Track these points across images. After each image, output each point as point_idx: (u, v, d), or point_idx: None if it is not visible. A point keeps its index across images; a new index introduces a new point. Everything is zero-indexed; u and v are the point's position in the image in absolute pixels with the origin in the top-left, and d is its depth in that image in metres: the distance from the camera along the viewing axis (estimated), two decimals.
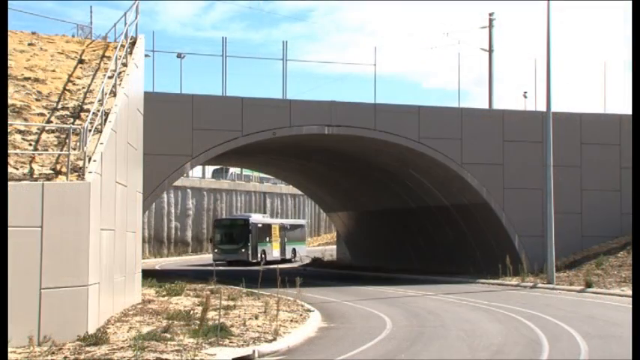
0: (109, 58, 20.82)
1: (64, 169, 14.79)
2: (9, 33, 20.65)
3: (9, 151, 14.79)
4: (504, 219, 32.07)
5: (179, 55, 32.91)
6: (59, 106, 17.65)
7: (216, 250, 47.50)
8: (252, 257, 46.99)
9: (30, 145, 15.74)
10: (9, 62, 18.81)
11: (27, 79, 18.67)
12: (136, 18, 22.29)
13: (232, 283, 25.84)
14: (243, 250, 47.16)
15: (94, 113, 16.39)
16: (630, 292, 23.05)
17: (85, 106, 17.68)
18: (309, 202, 71.02)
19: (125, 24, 21.80)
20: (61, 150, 15.56)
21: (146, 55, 25.52)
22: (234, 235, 47.96)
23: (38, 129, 16.33)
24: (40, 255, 13.59)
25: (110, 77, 18.61)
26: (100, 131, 16.26)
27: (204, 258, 54.77)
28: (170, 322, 15.83)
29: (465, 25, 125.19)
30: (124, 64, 19.97)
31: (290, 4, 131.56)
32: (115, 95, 18.01)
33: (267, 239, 50.52)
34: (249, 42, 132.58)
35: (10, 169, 14.45)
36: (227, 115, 29.67)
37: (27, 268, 13.48)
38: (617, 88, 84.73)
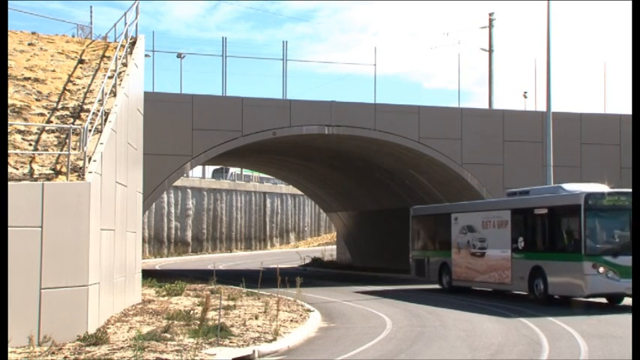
0: (109, 58, 20.81)
1: (64, 169, 14.79)
2: (9, 33, 20.66)
3: (9, 151, 14.79)
4: None
5: (179, 55, 33.00)
6: (59, 106, 17.65)
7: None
8: None
9: (30, 145, 15.74)
10: (9, 62, 18.81)
11: (27, 79, 18.67)
12: (136, 18, 22.30)
13: (232, 283, 25.86)
14: None
15: (94, 113, 16.39)
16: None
17: (85, 106, 17.68)
18: (309, 202, 70.99)
19: (125, 24, 21.80)
20: (61, 150, 15.56)
21: (146, 55, 25.54)
22: None
23: (38, 129, 16.33)
24: (40, 255, 13.59)
25: (110, 77, 18.60)
26: (100, 131, 16.26)
27: (205, 258, 54.71)
28: (170, 322, 15.84)
29: (465, 25, 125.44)
30: (124, 64, 19.97)
31: (294, 5, 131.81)
32: (115, 95, 18.01)
33: None
34: (253, 42, 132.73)
35: (10, 169, 14.45)
36: (227, 115, 29.68)
37: (27, 268, 13.48)
38: (618, 88, 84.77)
